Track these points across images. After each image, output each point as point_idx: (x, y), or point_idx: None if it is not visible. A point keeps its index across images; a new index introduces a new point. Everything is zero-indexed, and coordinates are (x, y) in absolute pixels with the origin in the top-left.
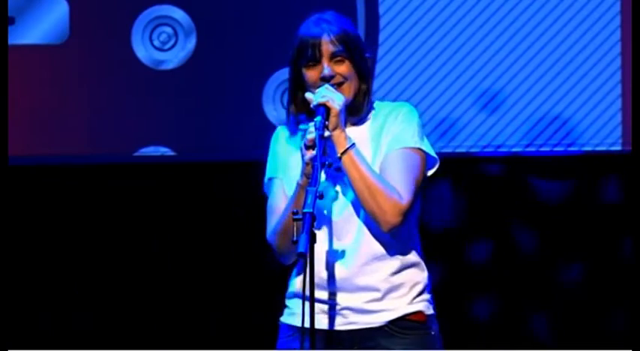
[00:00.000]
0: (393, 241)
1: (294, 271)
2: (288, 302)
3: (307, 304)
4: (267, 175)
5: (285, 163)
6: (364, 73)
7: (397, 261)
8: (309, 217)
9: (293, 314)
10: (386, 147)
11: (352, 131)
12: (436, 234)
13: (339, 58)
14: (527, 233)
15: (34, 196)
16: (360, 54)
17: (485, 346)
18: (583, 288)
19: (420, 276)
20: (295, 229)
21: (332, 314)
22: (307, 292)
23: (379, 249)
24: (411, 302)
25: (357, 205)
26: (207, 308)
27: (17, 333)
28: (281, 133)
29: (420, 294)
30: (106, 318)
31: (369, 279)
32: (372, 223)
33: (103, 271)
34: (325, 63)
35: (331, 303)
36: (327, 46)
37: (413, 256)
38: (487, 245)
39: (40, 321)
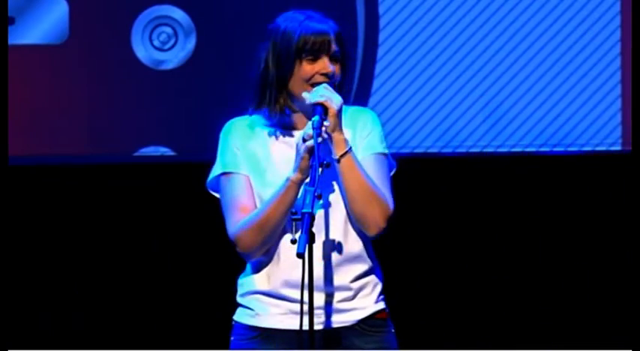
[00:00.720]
0: (367, 243)
1: (250, 269)
2: (243, 301)
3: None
4: (222, 169)
5: (249, 158)
6: (347, 77)
7: (367, 263)
8: (309, 218)
9: (255, 315)
10: (359, 152)
11: None
12: (434, 235)
13: (335, 58)
14: (527, 234)
15: (34, 196)
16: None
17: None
18: (582, 289)
19: (379, 277)
20: (294, 228)
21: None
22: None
23: (353, 250)
24: (376, 301)
25: (337, 207)
26: (207, 308)
27: (17, 333)
28: (237, 127)
29: (381, 293)
30: (106, 318)
31: (342, 279)
32: (351, 225)
33: (103, 271)
34: (326, 60)
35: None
36: (331, 45)
37: (374, 258)
38: (485, 245)
39: (40, 321)
